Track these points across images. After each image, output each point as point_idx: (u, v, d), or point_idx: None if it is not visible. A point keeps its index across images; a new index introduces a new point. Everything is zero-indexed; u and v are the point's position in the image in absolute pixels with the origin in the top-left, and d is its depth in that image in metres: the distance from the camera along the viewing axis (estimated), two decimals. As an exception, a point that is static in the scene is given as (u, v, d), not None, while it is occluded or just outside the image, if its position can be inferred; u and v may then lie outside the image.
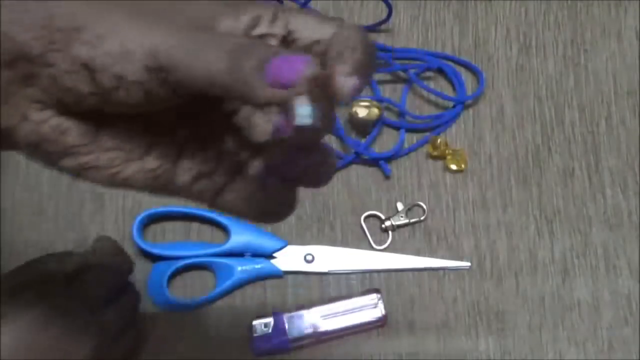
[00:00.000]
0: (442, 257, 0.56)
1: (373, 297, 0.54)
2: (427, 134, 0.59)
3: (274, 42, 0.27)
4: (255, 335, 0.53)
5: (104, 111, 0.28)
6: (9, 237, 0.56)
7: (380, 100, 0.59)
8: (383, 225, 0.57)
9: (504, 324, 0.55)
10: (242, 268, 0.54)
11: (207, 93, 0.25)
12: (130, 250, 0.54)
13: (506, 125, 0.60)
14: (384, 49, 0.61)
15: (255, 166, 0.29)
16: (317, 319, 0.53)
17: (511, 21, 0.63)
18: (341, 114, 0.59)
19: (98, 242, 0.50)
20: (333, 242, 0.57)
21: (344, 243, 0.57)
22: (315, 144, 0.28)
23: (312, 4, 0.61)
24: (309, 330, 0.53)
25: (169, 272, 0.54)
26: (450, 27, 0.63)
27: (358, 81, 0.25)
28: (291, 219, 0.57)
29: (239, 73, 0.24)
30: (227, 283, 0.54)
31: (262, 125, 0.24)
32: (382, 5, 0.61)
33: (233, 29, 0.27)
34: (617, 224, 0.57)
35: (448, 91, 0.61)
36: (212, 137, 0.30)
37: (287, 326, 0.53)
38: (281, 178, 0.29)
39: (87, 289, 0.45)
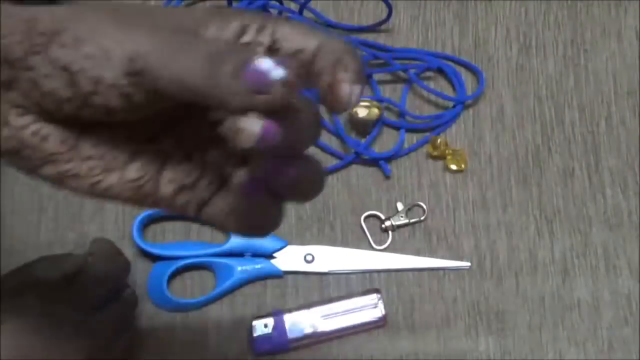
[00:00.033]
0: (442, 257, 0.56)
1: (373, 297, 0.54)
2: (427, 134, 0.59)
3: (260, 50, 0.27)
4: (255, 335, 0.53)
5: (85, 118, 0.28)
6: (9, 237, 0.56)
7: (380, 100, 0.59)
8: (383, 225, 0.57)
9: (504, 324, 0.55)
10: (242, 268, 0.54)
11: (185, 98, 0.25)
12: (130, 250, 0.55)
13: (506, 125, 0.60)
14: (384, 49, 0.61)
15: (240, 176, 0.29)
16: (317, 319, 0.53)
17: (511, 21, 0.63)
18: (341, 114, 0.59)
19: (95, 244, 0.50)
20: (333, 242, 0.57)
21: (344, 243, 0.57)
22: (300, 154, 0.27)
23: (312, 4, 0.61)
24: (309, 330, 0.53)
25: (169, 272, 0.54)
26: (450, 27, 0.63)
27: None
28: (291, 219, 0.57)
29: (215, 78, 0.24)
30: (227, 283, 0.54)
31: (248, 130, 0.24)
32: (382, 5, 0.61)
33: (219, 37, 0.27)
34: (617, 224, 0.57)
35: (448, 91, 0.61)
36: (197, 148, 0.30)
37: (287, 326, 0.53)
38: (267, 191, 0.28)
39: (83, 291, 0.45)
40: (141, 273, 0.55)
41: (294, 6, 0.62)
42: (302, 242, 0.56)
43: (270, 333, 0.53)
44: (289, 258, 0.55)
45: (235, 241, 0.55)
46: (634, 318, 0.55)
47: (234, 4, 0.62)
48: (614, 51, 0.62)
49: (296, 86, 0.24)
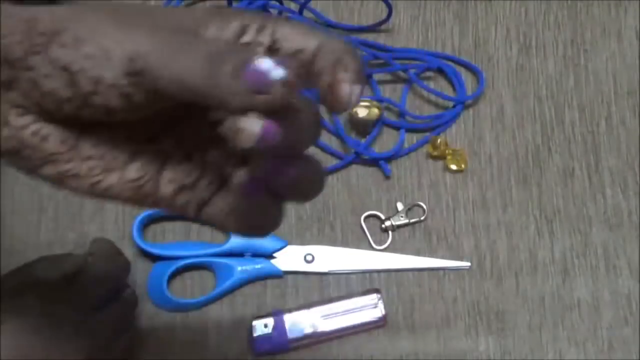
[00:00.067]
0: (442, 257, 0.56)
1: (373, 297, 0.54)
2: (427, 134, 0.59)
3: (260, 50, 0.27)
4: (255, 335, 0.53)
5: (85, 118, 0.28)
6: (9, 237, 0.56)
7: (380, 100, 0.59)
8: (383, 225, 0.57)
9: (504, 324, 0.55)
10: (242, 268, 0.54)
11: (184, 98, 0.25)
12: (130, 250, 0.55)
13: (506, 125, 0.60)
14: (384, 49, 0.61)
15: (240, 175, 0.29)
16: (317, 319, 0.53)
17: (511, 21, 0.63)
18: (341, 114, 0.59)
19: (95, 244, 0.50)
20: (333, 242, 0.57)
21: (344, 243, 0.57)
22: (300, 154, 0.27)
23: (312, 4, 0.61)
24: (309, 330, 0.53)
25: (169, 272, 0.54)
26: (450, 27, 0.63)
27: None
28: (291, 219, 0.57)
29: (215, 78, 0.24)
30: (227, 283, 0.54)
31: (248, 130, 0.23)
32: (382, 5, 0.61)
33: (219, 37, 0.27)
34: (617, 224, 0.57)
35: (448, 91, 0.61)
36: (197, 148, 0.30)
37: (287, 326, 0.53)
38: (267, 191, 0.28)
39: (83, 291, 0.45)
40: (141, 273, 0.55)
41: (294, 6, 0.62)
42: (302, 242, 0.56)
43: (270, 333, 0.53)
44: (289, 258, 0.55)
45: (235, 241, 0.55)
46: (634, 318, 0.55)
47: (234, 3, 0.62)
48: (614, 51, 0.62)
49: (296, 86, 0.24)
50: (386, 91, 0.61)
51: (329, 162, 0.58)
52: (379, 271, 0.56)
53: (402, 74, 0.61)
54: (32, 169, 0.29)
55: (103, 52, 0.26)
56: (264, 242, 0.55)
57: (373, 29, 0.62)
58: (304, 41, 0.27)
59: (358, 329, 0.54)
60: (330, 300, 0.54)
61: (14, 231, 0.56)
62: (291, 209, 0.57)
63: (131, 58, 0.26)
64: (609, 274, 0.56)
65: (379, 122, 0.59)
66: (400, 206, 0.57)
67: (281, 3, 0.61)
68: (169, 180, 0.30)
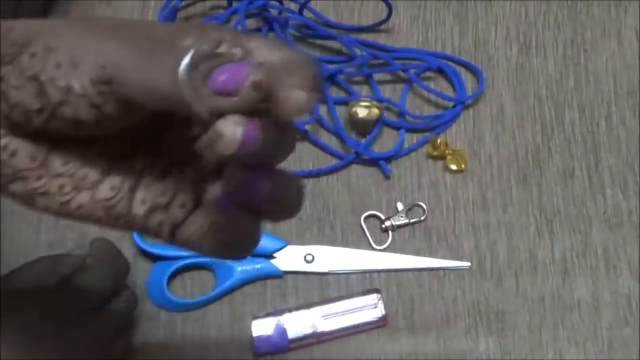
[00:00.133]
0: (442, 257, 0.56)
1: (373, 297, 0.54)
2: (427, 134, 0.59)
3: (236, 59, 0.27)
4: (255, 335, 0.53)
5: (55, 132, 0.27)
6: (9, 237, 0.56)
7: (380, 100, 0.59)
8: (383, 225, 0.57)
9: (504, 324, 0.55)
10: (242, 268, 0.54)
11: (155, 107, 0.25)
12: (130, 250, 0.55)
13: (506, 125, 0.60)
14: (384, 49, 0.61)
15: (214, 190, 0.27)
16: (317, 319, 0.53)
17: (511, 21, 0.63)
18: (341, 114, 0.59)
19: (95, 244, 0.50)
20: (333, 242, 0.57)
21: (344, 243, 0.57)
22: (274, 166, 0.27)
23: (312, 4, 0.61)
24: (309, 330, 0.53)
25: (169, 272, 0.54)
26: (450, 27, 0.63)
27: (306, 96, 0.24)
28: (291, 219, 0.57)
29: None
30: (227, 283, 0.54)
31: (228, 136, 0.23)
32: (382, 5, 0.61)
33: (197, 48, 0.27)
34: (617, 224, 0.57)
35: (448, 91, 0.61)
36: (171, 168, 0.30)
37: (287, 326, 0.53)
38: (243, 209, 0.27)
39: (83, 291, 0.45)
40: (141, 273, 0.55)
41: (294, 6, 0.62)
42: (302, 242, 0.56)
43: (270, 333, 0.53)
44: (289, 258, 0.55)
45: (235, 241, 0.55)
46: (634, 318, 0.55)
47: (234, 3, 0.62)
48: (614, 51, 0.62)
49: (264, 88, 0.24)
50: (386, 91, 0.61)
51: (329, 162, 0.58)
52: (379, 271, 0.56)
53: (402, 74, 0.61)
54: (0, 185, 0.28)
55: (73, 61, 0.26)
56: (264, 242, 0.55)
57: (373, 29, 0.62)
58: (269, 54, 0.27)
59: (358, 329, 0.54)
60: (330, 300, 0.54)
61: (14, 231, 0.56)
62: (291, 209, 0.57)
63: (102, 65, 0.25)
64: (609, 274, 0.56)
65: (379, 122, 0.59)
66: (400, 206, 0.57)
67: (281, 3, 0.61)
68: (142, 201, 0.29)
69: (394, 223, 0.57)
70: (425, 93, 0.61)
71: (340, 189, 0.58)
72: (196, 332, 0.54)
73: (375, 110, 0.58)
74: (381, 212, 0.57)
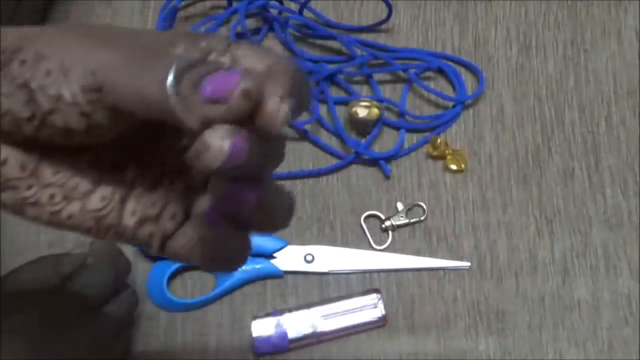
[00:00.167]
0: (442, 257, 0.56)
1: (373, 297, 0.54)
2: (427, 134, 0.59)
3: (225, 67, 0.27)
4: (255, 335, 0.53)
5: (45, 140, 0.27)
6: (9, 237, 0.56)
7: (380, 100, 0.59)
8: (383, 225, 0.57)
9: (504, 324, 0.55)
10: (242, 268, 0.54)
11: (145, 115, 0.24)
12: (130, 250, 0.54)
13: (506, 125, 0.60)
14: (384, 49, 0.61)
15: (202, 203, 0.27)
16: (317, 319, 0.53)
17: (511, 21, 0.63)
18: (341, 114, 0.59)
19: (95, 244, 0.50)
20: (333, 242, 0.57)
21: (344, 243, 0.57)
22: (258, 177, 0.27)
23: (312, 4, 0.61)
24: (309, 330, 0.53)
25: (169, 272, 0.54)
26: (450, 27, 0.63)
27: (288, 106, 0.24)
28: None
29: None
30: (227, 283, 0.54)
31: (216, 147, 0.23)
32: (382, 5, 0.61)
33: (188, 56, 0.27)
34: (617, 224, 0.57)
35: (448, 91, 0.61)
36: (162, 179, 0.30)
37: (287, 326, 0.53)
38: (231, 223, 0.27)
39: (83, 291, 0.45)
40: (141, 273, 0.55)
41: (294, 6, 0.62)
42: (302, 242, 0.56)
43: (270, 333, 0.53)
44: (289, 258, 0.55)
45: (235, 241, 0.55)
46: (634, 318, 0.55)
47: (234, 3, 0.62)
48: (614, 51, 0.62)
49: (254, 97, 0.23)
50: (386, 91, 0.61)
51: (329, 162, 0.58)
52: (379, 271, 0.56)
53: (402, 74, 0.61)
54: None
55: (63, 68, 0.26)
56: (264, 242, 0.55)
57: (373, 29, 0.62)
58: (255, 62, 0.26)
59: (358, 329, 0.54)
60: (330, 300, 0.54)
61: (14, 231, 0.56)
62: (291, 209, 0.57)
63: (92, 72, 0.25)
64: (609, 274, 0.56)
65: (379, 122, 0.59)
66: (400, 206, 0.57)
67: (281, 3, 0.61)
68: (133, 212, 0.29)
69: (394, 223, 0.57)
70: (425, 93, 0.61)
71: (340, 189, 0.58)
72: (196, 332, 0.54)
73: (375, 110, 0.58)
74: (381, 212, 0.57)
